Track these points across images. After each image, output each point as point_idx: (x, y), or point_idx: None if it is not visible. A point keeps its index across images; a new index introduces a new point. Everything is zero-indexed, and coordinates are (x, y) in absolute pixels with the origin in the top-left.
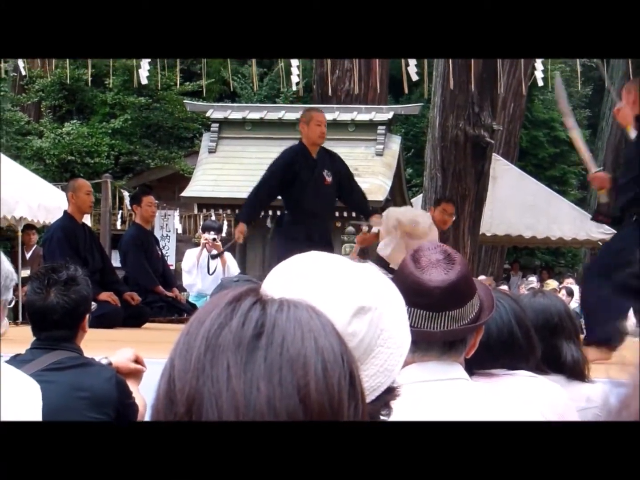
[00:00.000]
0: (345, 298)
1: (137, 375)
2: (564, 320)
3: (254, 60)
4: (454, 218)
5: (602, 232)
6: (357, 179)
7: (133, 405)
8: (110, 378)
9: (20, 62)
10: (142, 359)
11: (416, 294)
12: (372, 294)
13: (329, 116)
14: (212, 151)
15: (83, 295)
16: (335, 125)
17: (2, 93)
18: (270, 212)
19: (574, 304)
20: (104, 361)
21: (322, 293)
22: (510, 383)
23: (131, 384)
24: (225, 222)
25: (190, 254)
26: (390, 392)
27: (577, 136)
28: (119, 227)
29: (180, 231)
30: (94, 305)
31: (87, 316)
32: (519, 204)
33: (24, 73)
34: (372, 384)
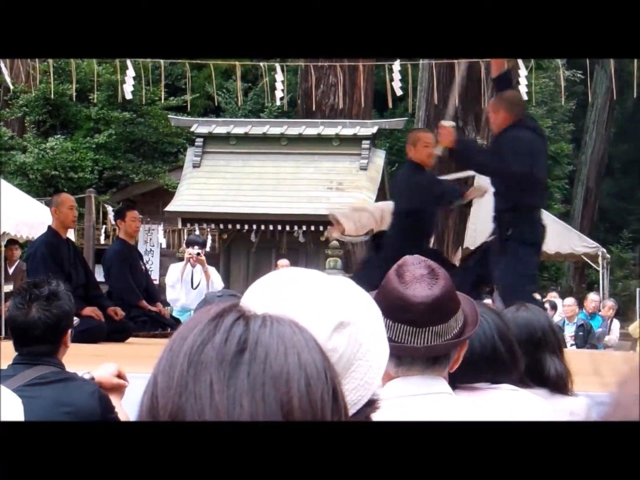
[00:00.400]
0: (324, 313)
1: (119, 390)
2: (547, 334)
3: (238, 75)
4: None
5: (585, 246)
6: (340, 193)
7: (116, 420)
8: (93, 393)
9: (7, 77)
10: (124, 374)
11: (400, 310)
12: (350, 309)
13: (313, 131)
14: (196, 166)
15: (65, 310)
16: (319, 139)
17: None
18: (254, 227)
19: (558, 317)
20: (86, 376)
21: (301, 308)
22: (493, 397)
23: (114, 399)
24: (210, 237)
25: (174, 269)
26: (370, 405)
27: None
28: (102, 241)
29: (164, 246)
30: (76, 320)
31: (69, 331)
32: None
33: (11, 87)
34: (352, 398)
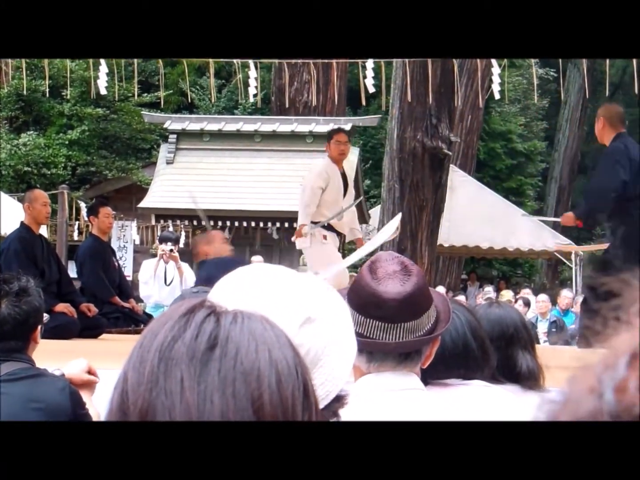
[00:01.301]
0: (292, 309)
1: (90, 386)
2: (520, 330)
3: (212, 72)
4: (350, 145)
5: (558, 243)
6: None
7: (87, 416)
8: (63, 389)
9: None
10: (95, 370)
11: (372, 306)
12: (317, 304)
13: (287, 128)
14: (169, 162)
15: (34, 306)
16: (293, 136)
17: None
18: (228, 223)
19: (531, 314)
20: (56, 372)
21: (269, 304)
22: (465, 393)
23: (84, 395)
24: (183, 233)
25: (148, 265)
26: (338, 401)
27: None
28: (75, 238)
29: (137, 242)
30: (46, 316)
31: (39, 327)
32: (476, 215)
33: None
34: (320, 393)
